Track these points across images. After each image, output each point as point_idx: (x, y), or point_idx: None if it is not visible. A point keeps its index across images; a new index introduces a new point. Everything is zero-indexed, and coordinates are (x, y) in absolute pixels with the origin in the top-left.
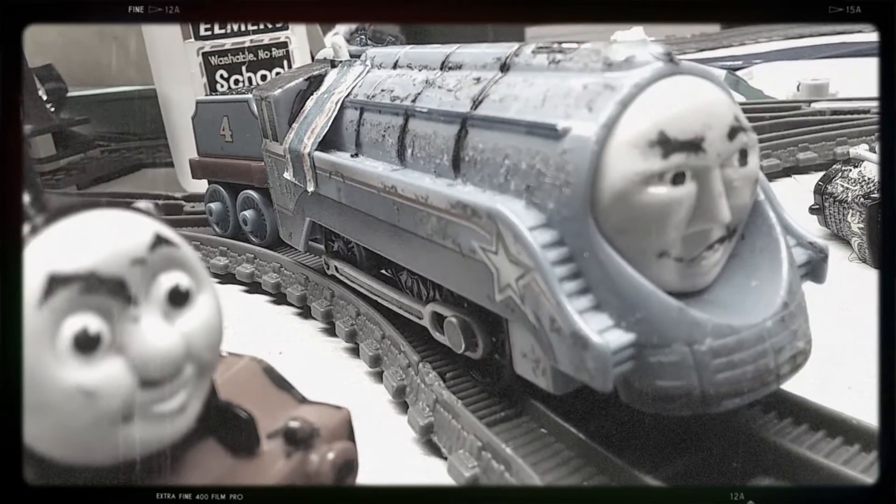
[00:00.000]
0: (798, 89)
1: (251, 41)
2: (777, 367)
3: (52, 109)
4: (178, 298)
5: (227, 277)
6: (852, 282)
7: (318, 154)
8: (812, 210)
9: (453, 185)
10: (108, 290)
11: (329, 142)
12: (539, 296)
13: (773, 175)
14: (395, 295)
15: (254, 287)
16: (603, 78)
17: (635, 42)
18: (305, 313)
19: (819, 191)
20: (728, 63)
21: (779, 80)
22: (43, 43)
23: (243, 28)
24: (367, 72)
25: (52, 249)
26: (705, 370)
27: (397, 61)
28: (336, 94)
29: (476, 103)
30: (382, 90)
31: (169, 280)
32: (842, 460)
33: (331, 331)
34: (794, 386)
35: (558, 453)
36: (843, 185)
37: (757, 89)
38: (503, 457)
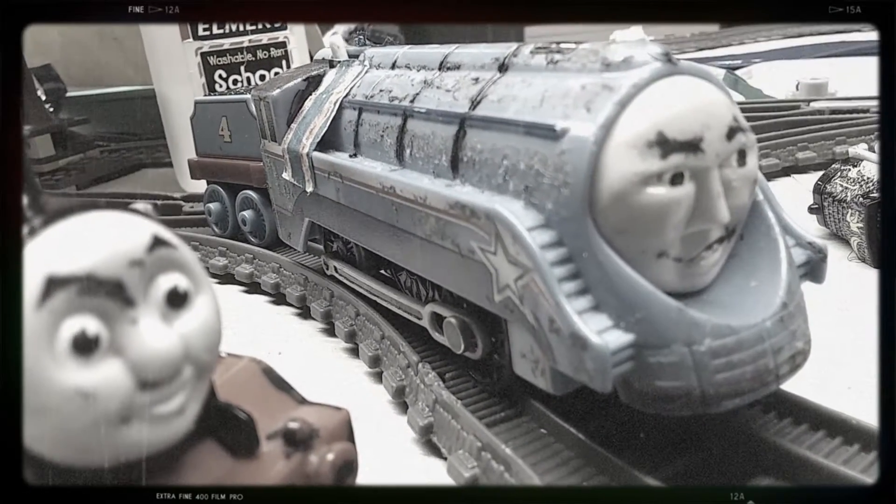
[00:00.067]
0: (797, 88)
1: (250, 41)
2: (776, 367)
3: (51, 109)
4: (177, 300)
5: (226, 278)
6: (851, 281)
7: (316, 154)
8: (811, 209)
9: (452, 185)
10: (107, 291)
11: (328, 142)
12: (538, 296)
13: (772, 174)
14: (394, 295)
15: (253, 287)
16: (601, 78)
17: (634, 42)
18: (305, 314)
19: (818, 190)
20: (727, 62)
21: (778, 80)
22: (43, 43)
23: (242, 28)
24: (366, 72)
25: (50, 251)
26: (704, 370)
27: (396, 61)
28: (335, 94)
29: (474, 104)
30: (381, 90)
31: (167, 281)
32: (842, 460)
33: (330, 331)
34: (794, 386)
35: (558, 453)
36: (842, 185)
37: (756, 88)
38: (503, 457)
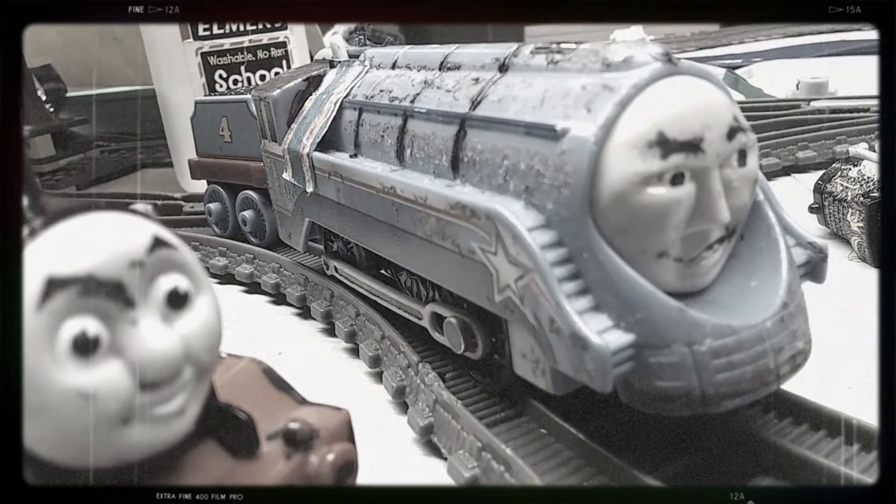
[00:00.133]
0: (797, 88)
1: (250, 41)
2: (777, 367)
3: (52, 110)
4: (177, 301)
5: (226, 278)
6: (852, 281)
7: (316, 154)
8: (811, 209)
9: (452, 185)
10: (107, 292)
11: (328, 142)
12: (538, 296)
13: (772, 174)
14: (394, 295)
15: (253, 287)
16: (601, 78)
17: (634, 42)
18: (305, 314)
19: (818, 190)
20: (727, 61)
21: (778, 79)
22: (43, 43)
23: (242, 28)
24: (366, 72)
25: (50, 252)
26: (705, 370)
27: (396, 61)
28: (335, 94)
29: (475, 104)
30: (381, 90)
31: (167, 282)
32: (842, 460)
33: (330, 331)
34: (794, 386)
35: (558, 453)
36: (842, 184)
37: (756, 88)
38: (503, 457)
